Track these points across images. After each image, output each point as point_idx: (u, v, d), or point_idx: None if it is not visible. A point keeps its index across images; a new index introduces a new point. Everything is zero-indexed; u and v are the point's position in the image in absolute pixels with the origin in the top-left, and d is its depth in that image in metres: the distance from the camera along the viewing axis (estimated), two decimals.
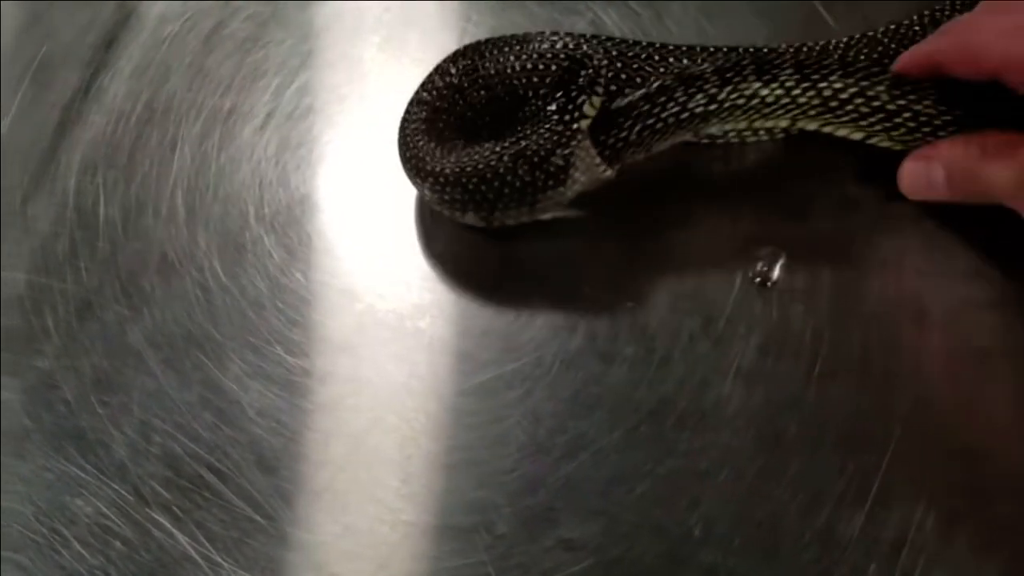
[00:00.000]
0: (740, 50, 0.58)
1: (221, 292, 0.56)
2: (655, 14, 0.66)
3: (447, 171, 0.54)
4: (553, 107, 0.53)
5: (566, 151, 0.52)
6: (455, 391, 0.53)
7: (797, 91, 0.53)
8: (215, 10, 0.71)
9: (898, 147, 0.55)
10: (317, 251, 0.59)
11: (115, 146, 0.63)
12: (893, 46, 0.59)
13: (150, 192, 0.61)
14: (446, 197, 0.54)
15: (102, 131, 0.64)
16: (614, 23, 0.66)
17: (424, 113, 0.57)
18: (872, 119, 0.54)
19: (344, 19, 0.71)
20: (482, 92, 0.58)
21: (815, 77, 0.53)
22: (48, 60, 0.69)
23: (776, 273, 0.55)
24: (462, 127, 0.57)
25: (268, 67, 0.67)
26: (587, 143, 0.52)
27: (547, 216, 0.56)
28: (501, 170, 0.53)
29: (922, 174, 0.53)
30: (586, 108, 0.52)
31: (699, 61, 0.58)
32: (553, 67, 0.55)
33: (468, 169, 0.53)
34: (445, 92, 0.58)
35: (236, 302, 0.56)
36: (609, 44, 0.60)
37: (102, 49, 0.69)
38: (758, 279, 0.55)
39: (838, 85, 0.53)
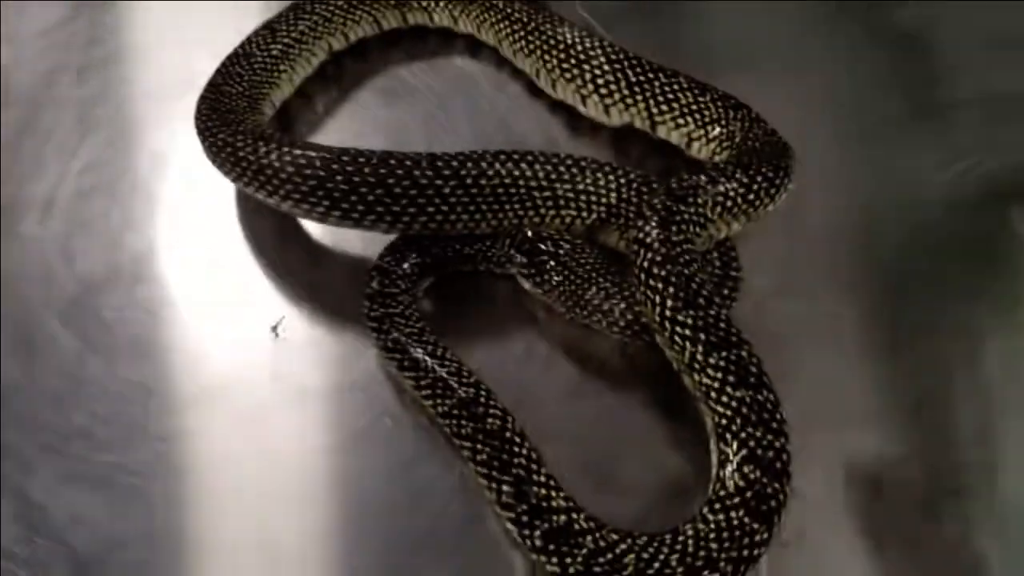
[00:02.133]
0: None
1: (16, 393, 0.52)
2: None
3: None
4: None
5: None
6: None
7: None
8: None
9: None
10: (115, 339, 0.56)
11: None
12: None
13: None
14: None
15: None
16: None
17: None
18: None
19: (117, 89, 0.68)
20: None
21: None
22: None
23: None
24: None
25: (45, 152, 0.64)
26: None
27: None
28: None
29: None
30: None
31: None
32: None
33: None
34: None
35: (33, 402, 0.52)
36: None
37: None
38: None
39: None
